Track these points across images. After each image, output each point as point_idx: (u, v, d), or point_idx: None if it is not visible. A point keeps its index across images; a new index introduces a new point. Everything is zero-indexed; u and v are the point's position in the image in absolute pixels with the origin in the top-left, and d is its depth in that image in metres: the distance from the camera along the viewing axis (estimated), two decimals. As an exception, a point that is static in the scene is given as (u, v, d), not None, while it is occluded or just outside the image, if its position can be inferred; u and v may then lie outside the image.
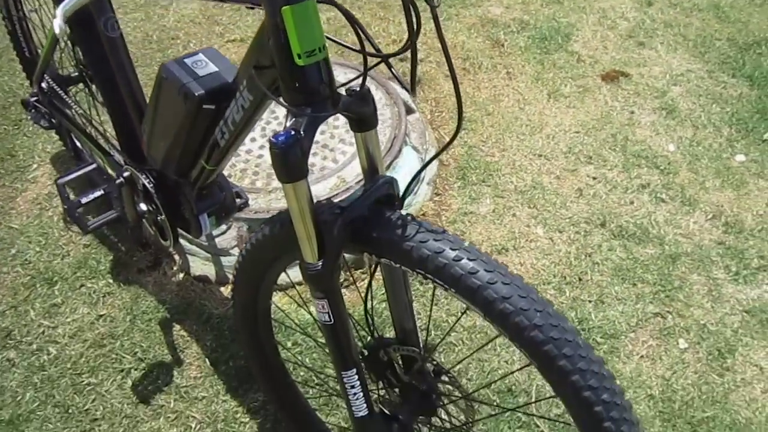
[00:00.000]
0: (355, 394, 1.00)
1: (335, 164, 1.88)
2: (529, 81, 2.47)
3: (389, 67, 0.90)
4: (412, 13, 0.78)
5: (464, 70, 2.52)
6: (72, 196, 1.62)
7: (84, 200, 1.36)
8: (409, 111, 2.12)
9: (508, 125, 2.28)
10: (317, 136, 1.98)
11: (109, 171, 1.54)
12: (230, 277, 1.77)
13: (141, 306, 1.73)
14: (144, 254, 1.85)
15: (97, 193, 1.36)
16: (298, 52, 0.79)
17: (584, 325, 1.69)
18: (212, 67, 1.06)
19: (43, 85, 1.70)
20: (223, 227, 1.78)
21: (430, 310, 1.66)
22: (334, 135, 1.98)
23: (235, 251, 1.78)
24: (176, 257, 1.83)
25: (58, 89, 1.64)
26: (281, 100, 0.84)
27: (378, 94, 2.10)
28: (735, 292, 1.76)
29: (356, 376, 0.99)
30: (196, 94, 1.02)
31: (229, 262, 1.78)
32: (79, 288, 1.79)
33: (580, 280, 1.79)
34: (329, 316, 0.93)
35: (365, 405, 1.02)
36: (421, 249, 0.85)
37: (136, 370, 1.61)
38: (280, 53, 0.80)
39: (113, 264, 1.83)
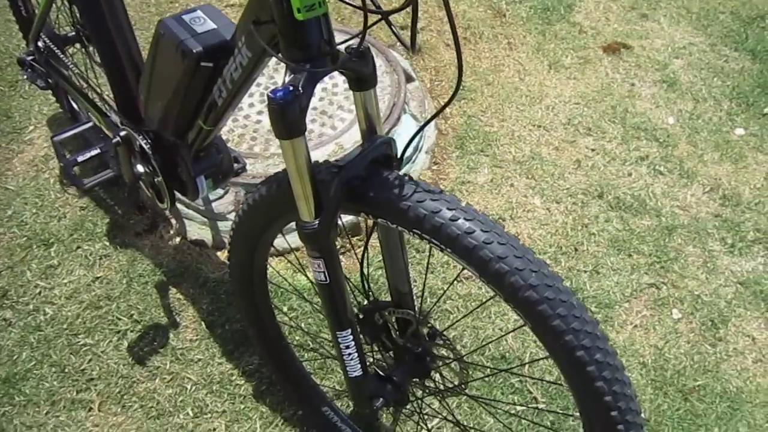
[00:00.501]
0: (349, 354, 1.01)
1: (333, 131, 1.87)
2: (530, 51, 2.45)
3: (389, 24, 0.89)
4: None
5: (465, 39, 2.49)
6: (68, 155, 1.61)
7: (80, 158, 1.35)
8: (409, 79, 2.10)
9: (508, 95, 2.26)
10: (315, 102, 1.96)
11: (106, 131, 1.53)
12: (227, 241, 1.77)
13: (137, 269, 1.73)
14: (141, 217, 1.85)
15: (94, 152, 1.36)
16: (297, 6, 0.78)
17: (579, 294, 1.69)
18: (210, 24, 1.05)
19: (40, 44, 1.68)
20: (220, 191, 1.77)
21: (426, 274, 1.67)
22: (333, 102, 1.97)
23: (232, 216, 1.78)
24: (173, 221, 1.83)
25: (55, 48, 1.62)
26: (280, 55, 0.83)
27: (378, 61, 2.07)
28: (730, 264, 1.77)
29: (351, 337, 1.00)
30: (194, 51, 1.01)
31: (226, 227, 1.78)
32: (75, 250, 1.79)
33: (576, 250, 1.79)
34: (325, 276, 0.93)
35: (359, 365, 1.03)
36: (417, 209, 0.85)
37: (132, 332, 1.62)
38: (279, 7, 0.79)
39: (110, 227, 1.83)
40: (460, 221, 0.83)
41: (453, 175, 1.98)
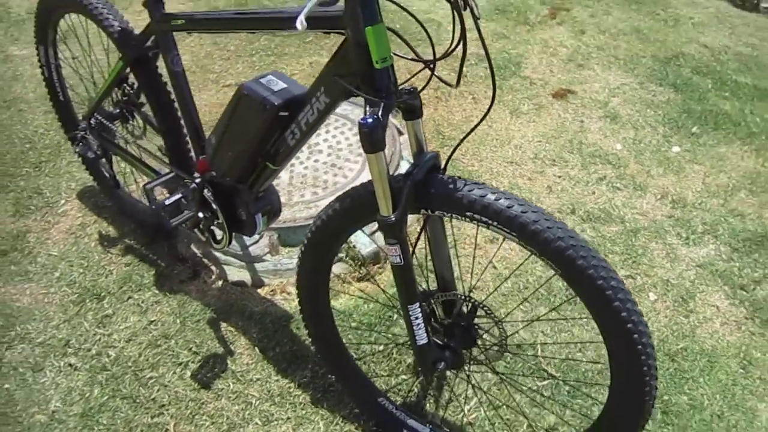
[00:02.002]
0: (418, 324, 1.28)
1: (345, 179, 2.18)
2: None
3: (432, 70, 1.21)
4: (458, 23, 1.10)
5: (437, 98, 2.88)
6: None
7: (167, 202, 1.60)
8: (400, 133, 2.45)
9: (482, 140, 2.64)
10: (325, 158, 2.28)
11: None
12: (265, 280, 2.02)
13: (188, 310, 1.95)
14: (183, 268, 2.08)
15: (177, 197, 1.61)
16: (376, 59, 1.10)
17: (570, 291, 2.01)
18: (282, 84, 1.36)
19: (92, 121, 1.95)
20: (256, 237, 2.03)
21: (474, 251, 1.96)
22: (339, 156, 2.28)
23: (268, 258, 2.03)
24: (213, 267, 2.07)
25: (108, 123, 1.89)
26: (364, 95, 1.14)
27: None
28: (688, 253, 2.13)
29: (419, 309, 1.27)
30: (276, 104, 1.31)
31: (263, 267, 2.03)
32: (126, 300, 2.00)
33: (561, 256, 2.12)
34: (400, 258, 1.22)
35: (425, 334, 1.30)
36: (469, 196, 1.15)
37: (192, 362, 1.83)
38: (362, 61, 1.11)
39: (156, 277, 2.05)
40: (502, 200, 1.13)
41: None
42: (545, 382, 1.74)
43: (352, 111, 2.48)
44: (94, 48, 2.10)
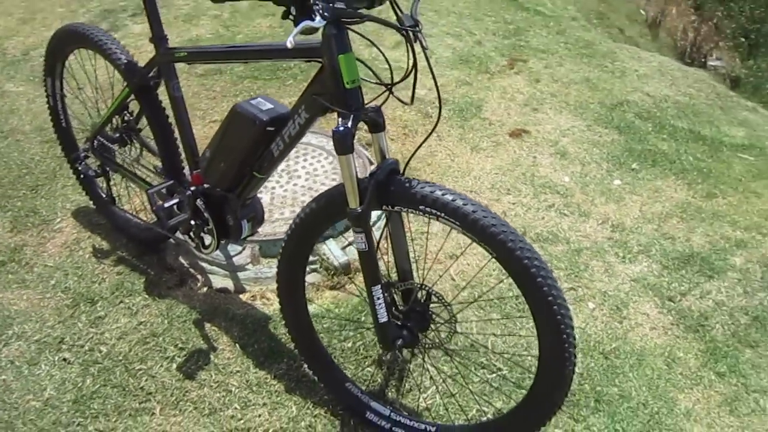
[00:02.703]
0: (379, 304, 1.51)
1: (319, 198, 2.43)
2: (455, 140, 3.15)
3: (390, 91, 1.48)
4: (409, 53, 1.37)
5: (404, 135, 3.18)
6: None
7: (166, 205, 1.83)
8: (371, 162, 2.73)
9: (444, 172, 2.92)
10: (303, 182, 2.54)
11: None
12: (246, 287, 2.23)
13: (175, 312, 2.15)
14: (170, 276, 2.29)
15: (176, 200, 1.85)
16: (347, 80, 1.37)
17: (519, 300, 2.26)
18: (269, 105, 1.62)
19: (95, 143, 2.19)
20: (239, 248, 2.26)
21: (426, 243, 2.20)
22: (316, 181, 2.54)
23: (250, 267, 2.25)
24: (198, 276, 2.28)
25: (110, 145, 2.14)
26: (337, 108, 1.41)
27: (345, 148, 2.70)
28: (624, 269, 2.40)
29: (380, 290, 1.51)
30: (264, 119, 1.57)
31: (245, 275, 2.25)
32: (118, 304, 2.19)
33: (512, 270, 2.38)
34: (365, 245, 1.46)
35: (386, 313, 1.53)
36: (422, 193, 1.40)
37: (179, 356, 2.02)
38: (335, 83, 1.38)
39: (146, 284, 2.25)
40: (447, 195, 1.39)
41: (413, 227, 2.56)
42: (492, 375, 1.96)
43: (327, 143, 2.75)
44: (93, 79, 2.36)
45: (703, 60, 6.46)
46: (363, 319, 2.12)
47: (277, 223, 2.31)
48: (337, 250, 2.27)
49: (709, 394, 1.98)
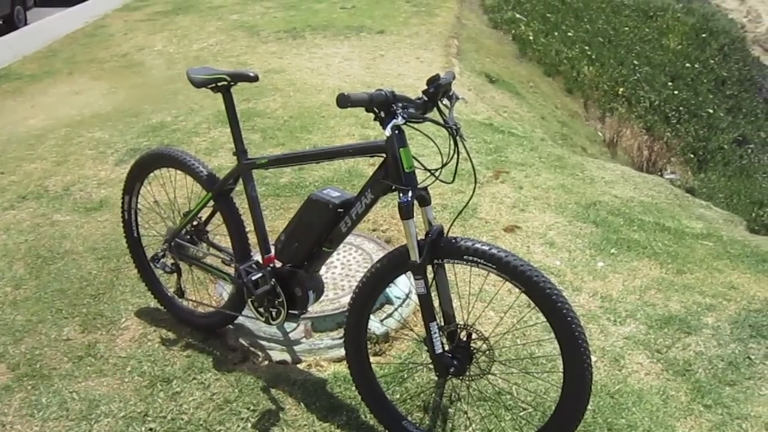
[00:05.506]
0: (435, 337, 1.92)
1: (356, 282, 2.87)
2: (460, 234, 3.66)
3: (436, 176, 1.99)
4: (452, 142, 1.90)
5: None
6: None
7: (254, 277, 2.25)
8: (388, 241, 3.21)
9: (452, 263, 3.40)
10: (339, 271, 2.98)
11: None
12: (302, 358, 2.60)
13: (243, 382, 2.49)
14: (234, 354, 2.64)
15: (260, 274, 2.29)
16: (406, 166, 1.89)
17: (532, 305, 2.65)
18: (337, 193, 2.12)
19: (173, 243, 2.63)
20: (293, 325, 2.65)
21: (469, 289, 2.57)
22: (350, 269, 2.99)
23: (304, 340, 2.64)
24: (259, 352, 2.64)
25: (187, 244, 2.59)
26: (399, 186, 1.91)
27: (371, 244, 3.18)
28: (616, 330, 2.84)
29: (436, 326, 1.92)
30: (336, 203, 2.06)
31: (300, 348, 2.62)
32: (191, 380, 2.53)
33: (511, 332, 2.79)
34: (424, 289, 1.90)
35: (441, 345, 1.94)
36: (465, 245, 1.88)
37: (252, 417, 2.34)
38: (397, 169, 1.89)
39: (213, 362, 2.60)
40: (486, 247, 1.87)
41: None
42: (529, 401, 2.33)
43: (354, 239, 3.23)
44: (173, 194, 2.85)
45: (659, 174, 7.28)
46: (405, 376, 2.49)
47: (324, 303, 2.73)
48: (376, 323, 2.67)
49: (700, 422, 2.36)
